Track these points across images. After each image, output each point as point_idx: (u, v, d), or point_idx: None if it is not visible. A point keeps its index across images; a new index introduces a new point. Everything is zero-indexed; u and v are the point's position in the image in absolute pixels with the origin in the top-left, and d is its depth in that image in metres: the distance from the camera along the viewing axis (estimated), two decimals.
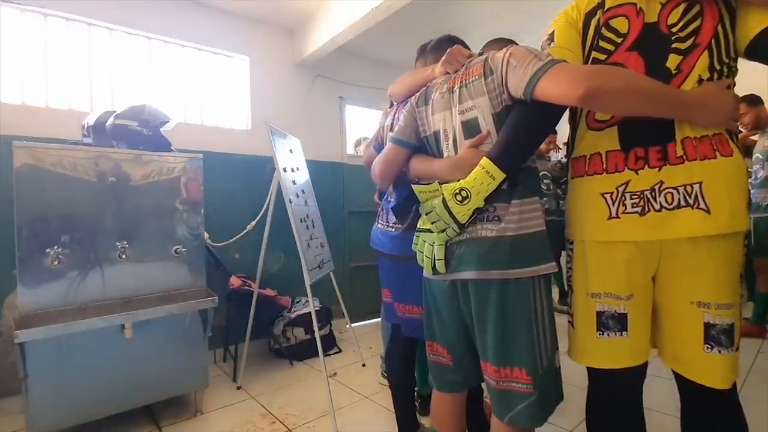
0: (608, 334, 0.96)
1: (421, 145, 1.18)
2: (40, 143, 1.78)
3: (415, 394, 1.98)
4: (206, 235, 2.39)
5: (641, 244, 0.90)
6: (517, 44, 1.17)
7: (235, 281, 2.63)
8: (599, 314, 0.96)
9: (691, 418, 0.97)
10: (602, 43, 0.95)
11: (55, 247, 1.76)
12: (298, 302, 3.03)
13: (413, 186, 1.07)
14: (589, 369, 1.04)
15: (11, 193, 1.71)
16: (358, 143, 3.82)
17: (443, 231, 1.01)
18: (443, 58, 1.16)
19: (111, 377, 1.77)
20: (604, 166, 0.95)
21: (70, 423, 1.69)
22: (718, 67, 0.86)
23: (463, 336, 1.10)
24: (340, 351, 2.95)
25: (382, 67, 3.90)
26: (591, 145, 0.98)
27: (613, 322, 0.95)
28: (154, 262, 2.04)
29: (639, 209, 0.89)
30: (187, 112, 2.88)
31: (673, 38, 0.89)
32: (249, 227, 2.61)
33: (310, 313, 2.21)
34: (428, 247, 1.07)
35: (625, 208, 0.91)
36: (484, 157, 0.94)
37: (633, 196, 0.90)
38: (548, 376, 0.99)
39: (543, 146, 3.53)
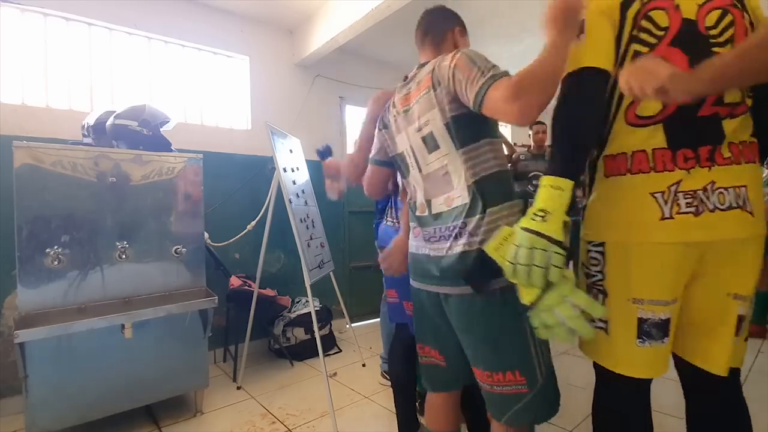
0: (650, 343, 0.90)
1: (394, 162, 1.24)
2: (40, 143, 1.78)
3: (416, 393, 2.00)
4: (206, 235, 2.39)
5: (691, 245, 0.87)
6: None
7: (235, 281, 2.63)
8: (641, 321, 0.90)
9: (700, 413, 0.98)
10: (643, 35, 0.90)
11: (55, 247, 1.77)
12: (298, 302, 3.03)
13: (484, 249, 0.90)
14: (602, 369, 0.98)
15: (11, 193, 1.71)
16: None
17: (543, 266, 0.80)
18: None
19: (111, 377, 1.77)
20: (651, 165, 0.89)
21: (70, 423, 1.69)
22: None
23: (454, 337, 1.10)
24: (340, 351, 2.95)
25: (382, 67, 3.90)
26: (632, 142, 0.91)
27: (656, 330, 0.90)
28: (154, 262, 2.04)
29: (693, 209, 0.86)
30: (187, 112, 2.88)
31: (711, 41, 0.87)
32: (249, 227, 2.61)
33: (310, 313, 2.21)
34: (563, 308, 0.83)
35: (680, 208, 0.86)
36: (543, 176, 0.88)
37: (686, 196, 0.86)
38: (543, 375, 1.00)
39: (539, 138, 3.53)
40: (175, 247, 2.08)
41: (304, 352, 2.79)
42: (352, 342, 2.95)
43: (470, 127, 1.00)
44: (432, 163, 1.08)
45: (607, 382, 1.00)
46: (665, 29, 0.88)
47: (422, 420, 1.81)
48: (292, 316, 2.85)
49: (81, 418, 1.72)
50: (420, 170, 1.11)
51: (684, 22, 0.87)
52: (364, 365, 2.67)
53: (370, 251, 2.89)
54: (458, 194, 1.02)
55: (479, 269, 0.94)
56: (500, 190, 1.00)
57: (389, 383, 2.33)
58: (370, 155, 1.30)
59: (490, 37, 3.38)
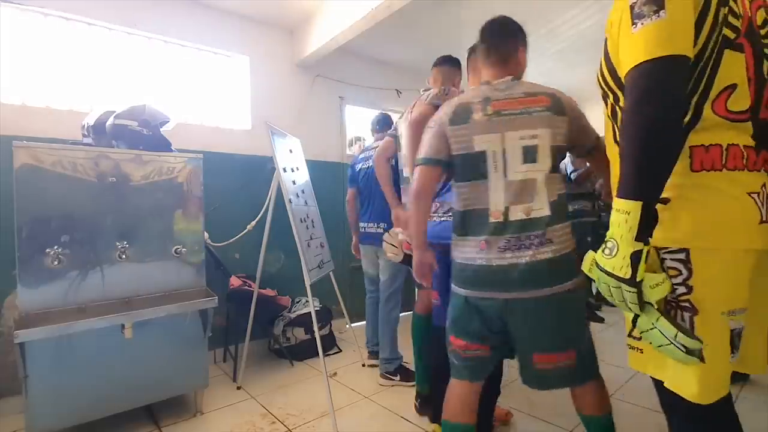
0: (734, 355, 0.82)
1: (450, 162, 1.25)
2: (40, 143, 1.78)
3: (417, 394, 2.01)
4: (206, 235, 2.39)
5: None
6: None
7: (235, 281, 2.63)
8: (732, 333, 0.80)
9: None
10: (732, 20, 0.78)
11: (55, 247, 1.76)
12: (298, 302, 3.03)
13: (584, 270, 0.89)
14: (691, 406, 0.79)
15: (11, 193, 1.71)
16: (353, 142, 3.81)
17: (621, 301, 0.79)
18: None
19: (111, 377, 1.77)
20: (745, 162, 0.79)
21: (70, 423, 1.69)
22: None
23: (504, 332, 1.23)
24: (340, 351, 2.95)
25: (382, 67, 3.90)
26: (727, 135, 0.80)
27: (737, 340, 0.82)
28: (154, 262, 2.04)
29: None
30: (187, 112, 2.88)
31: (763, 40, 0.81)
32: (249, 227, 2.61)
33: (310, 313, 2.21)
34: (655, 335, 0.77)
35: None
36: (615, 199, 0.79)
37: None
38: (588, 345, 1.22)
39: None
40: (175, 247, 2.08)
41: (304, 352, 2.78)
42: (352, 342, 2.95)
43: (560, 156, 1.22)
44: (521, 172, 1.16)
45: (708, 416, 0.82)
46: (741, 18, 0.79)
47: (422, 419, 1.82)
48: (292, 316, 2.85)
49: (81, 418, 1.72)
50: (505, 175, 1.17)
51: (749, 18, 0.81)
52: (364, 365, 2.67)
53: None
54: (539, 206, 1.16)
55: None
56: (566, 209, 1.21)
57: (390, 383, 2.33)
58: (423, 156, 1.26)
59: None
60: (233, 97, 3.12)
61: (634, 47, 0.74)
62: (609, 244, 0.78)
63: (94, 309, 1.84)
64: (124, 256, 1.93)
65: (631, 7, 0.75)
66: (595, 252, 0.83)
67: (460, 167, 1.23)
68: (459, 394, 1.30)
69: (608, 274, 0.77)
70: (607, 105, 0.93)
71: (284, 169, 2.26)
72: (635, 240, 0.74)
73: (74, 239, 1.82)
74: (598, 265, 0.80)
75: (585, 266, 0.86)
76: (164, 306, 1.89)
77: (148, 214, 2.02)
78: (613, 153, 0.92)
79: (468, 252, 1.21)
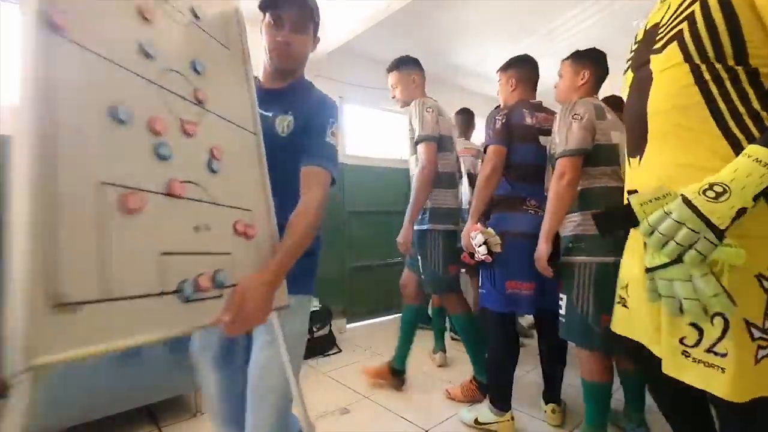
0: None
1: (592, 150, 1.51)
2: None
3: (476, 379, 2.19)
4: None
5: None
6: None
7: None
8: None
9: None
10: None
11: None
12: None
13: (631, 198, 0.79)
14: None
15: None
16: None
17: (688, 248, 0.69)
18: None
19: (111, 377, 1.77)
20: None
21: (70, 423, 1.69)
22: None
23: None
24: (340, 351, 2.95)
25: (382, 67, 3.88)
26: None
27: None
28: None
29: None
30: None
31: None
32: None
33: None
34: (683, 287, 0.71)
35: None
36: (751, 146, 0.70)
37: None
38: None
39: None
40: None
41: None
42: (352, 342, 2.96)
43: None
44: None
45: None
46: None
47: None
48: None
49: (81, 418, 1.72)
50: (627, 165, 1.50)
51: None
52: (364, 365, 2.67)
53: (371, 251, 2.86)
54: None
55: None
56: None
57: None
58: (570, 149, 1.56)
59: (490, 37, 3.38)
60: None
61: None
62: (717, 189, 0.69)
63: None
64: None
65: None
66: None
67: (593, 154, 1.52)
68: (607, 364, 1.55)
69: (699, 216, 0.68)
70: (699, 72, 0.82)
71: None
72: (752, 198, 0.67)
73: None
74: (689, 202, 0.70)
75: (639, 200, 0.76)
76: None
77: None
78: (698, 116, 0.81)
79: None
